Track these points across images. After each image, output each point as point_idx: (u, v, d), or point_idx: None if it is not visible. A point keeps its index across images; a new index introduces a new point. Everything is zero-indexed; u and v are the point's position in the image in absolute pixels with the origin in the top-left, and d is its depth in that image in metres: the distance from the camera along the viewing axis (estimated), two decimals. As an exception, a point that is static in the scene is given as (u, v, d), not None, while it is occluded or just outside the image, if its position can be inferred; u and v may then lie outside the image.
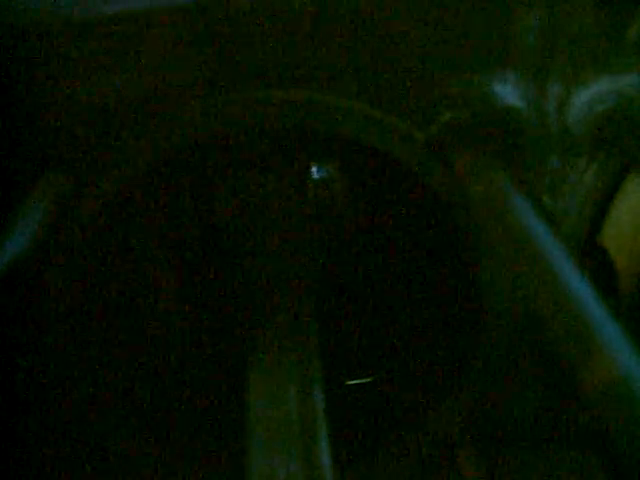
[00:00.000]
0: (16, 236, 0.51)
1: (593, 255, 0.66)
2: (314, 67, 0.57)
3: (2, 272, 0.47)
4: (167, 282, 0.81)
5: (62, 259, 0.61)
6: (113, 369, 0.72)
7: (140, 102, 0.57)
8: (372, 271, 0.86)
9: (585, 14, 0.57)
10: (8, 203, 0.56)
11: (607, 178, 0.62)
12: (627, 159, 0.61)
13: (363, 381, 0.85)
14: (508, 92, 0.58)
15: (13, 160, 0.58)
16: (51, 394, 0.67)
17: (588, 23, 0.57)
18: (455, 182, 0.56)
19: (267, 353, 0.66)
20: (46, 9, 0.54)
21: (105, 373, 0.70)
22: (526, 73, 0.58)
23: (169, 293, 0.81)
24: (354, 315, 0.87)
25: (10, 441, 0.68)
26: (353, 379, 0.85)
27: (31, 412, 0.67)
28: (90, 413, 0.68)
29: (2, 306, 0.61)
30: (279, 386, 0.61)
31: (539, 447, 0.75)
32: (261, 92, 0.58)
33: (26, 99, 0.56)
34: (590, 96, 0.59)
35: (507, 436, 0.74)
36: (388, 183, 0.80)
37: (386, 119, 0.59)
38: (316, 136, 0.75)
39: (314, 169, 0.81)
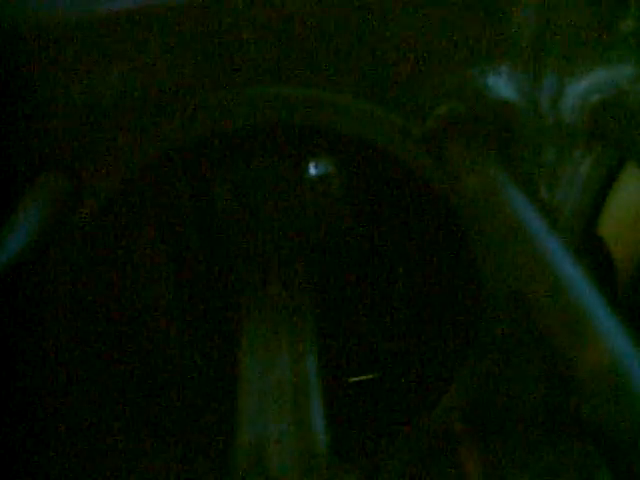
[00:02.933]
0: (15, 235, 0.51)
1: (591, 246, 0.66)
2: (309, 63, 0.57)
3: (1, 271, 0.48)
4: (162, 260, 0.82)
5: (61, 258, 0.62)
6: (111, 350, 0.73)
7: (137, 101, 0.58)
8: (370, 265, 0.86)
9: (578, 5, 0.57)
10: (7, 203, 0.57)
11: (603, 169, 0.62)
12: (623, 150, 0.61)
13: (365, 378, 0.86)
14: (502, 85, 0.59)
15: (11, 160, 0.58)
16: (50, 389, 0.67)
17: (581, 14, 0.57)
18: (449, 175, 0.56)
19: (260, 319, 0.66)
20: (42, 9, 0.54)
21: (103, 356, 0.71)
22: (520, 65, 0.58)
23: (164, 270, 0.82)
24: (352, 311, 0.87)
25: (9, 440, 0.69)
26: (353, 376, 0.85)
27: (29, 408, 0.68)
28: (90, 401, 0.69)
29: (1, 305, 0.61)
30: (272, 351, 0.62)
31: (541, 440, 0.75)
32: (253, 89, 0.58)
33: (23, 99, 0.57)
34: (585, 87, 0.59)
35: (509, 429, 0.74)
36: (385, 177, 0.80)
37: (380, 113, 0.59)
38: (312, 132, 0.75)
39: (311, 165, 0.82)
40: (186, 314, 0.84)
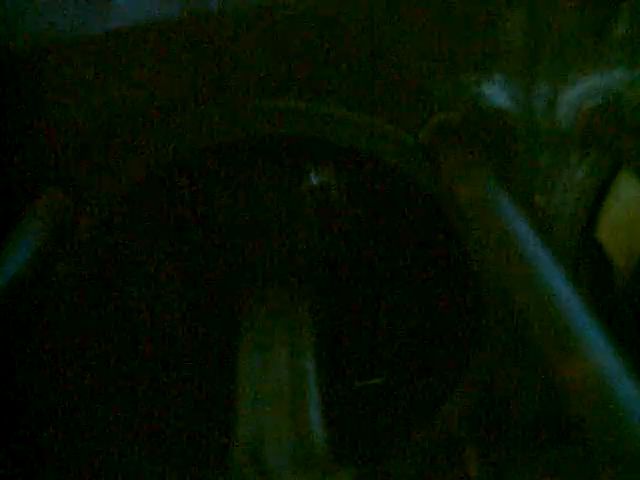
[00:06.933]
0: (17, 252, 0.52)
1: (589, 249, 0.66)
2: (304, 77, 0.58)
3: (4, 287, 0.49)
4: (164, 267, 0.83)
5: (63, 273, 0.63)
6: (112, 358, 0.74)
7: (134, 118, 0.58)
8: (370, 270, 0.87)
9: (570, 12, 0.58)
10: (10, 218, 0.58)
11: (599, 175, 0.63)
12: (617, 155, 0.61)
13: (370, 382, 0.86)
14: (496, 93, 0.59)
15: (12, 178, 0.59)
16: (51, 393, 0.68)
17: (574, 20, 0.58)
18: (444, 184, 0.57)
19: (259, 320, 0.67)
20: (40, 30, 0.55)
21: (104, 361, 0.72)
22: (514, 73, 0.59)
23: (167, 275, 0.83)
24: (356, 319, 0.88)
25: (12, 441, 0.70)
26: (357, 380, 0.86)
27: (30, 411, 0.69)
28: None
29: (4, 320, 0.62)
30: (270, 350, 0.62)
31: (543, 445, 0.75)
32: (252, 102, 0.59)
33: (23, 118, 0.58)
34: (578, 93, 0.60)
35: (512, 434, 0.74)
36: (383, 185, 0.81)
37: (377, 123, 0.59)
38: (312, 143, 0.76)
39: (311, 174, 0.82)
40: (187, 315, 0.85)
